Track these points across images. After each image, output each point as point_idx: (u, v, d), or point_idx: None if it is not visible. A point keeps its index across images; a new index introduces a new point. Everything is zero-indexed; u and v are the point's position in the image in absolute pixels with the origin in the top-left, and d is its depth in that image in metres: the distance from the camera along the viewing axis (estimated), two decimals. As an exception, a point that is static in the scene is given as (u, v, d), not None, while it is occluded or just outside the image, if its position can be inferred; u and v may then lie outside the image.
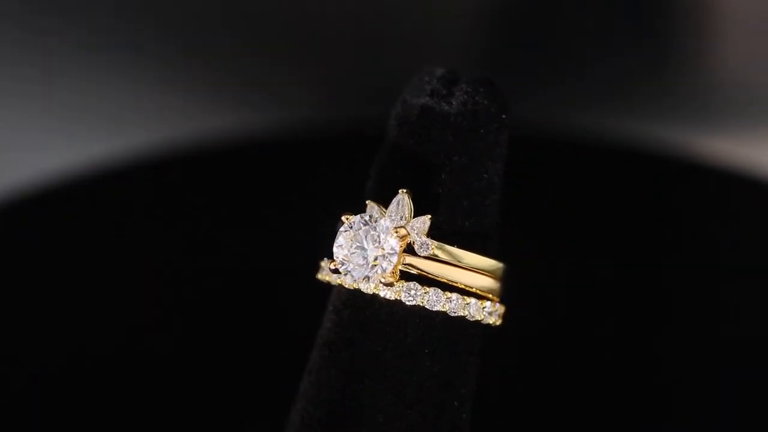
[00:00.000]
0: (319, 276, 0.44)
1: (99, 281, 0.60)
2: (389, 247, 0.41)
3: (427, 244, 0.42)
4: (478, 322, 0.43)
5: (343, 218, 0.42)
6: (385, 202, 0.43)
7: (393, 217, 0.42)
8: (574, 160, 0.62)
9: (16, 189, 0.63)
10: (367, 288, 0.42)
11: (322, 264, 0.44)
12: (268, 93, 0.72)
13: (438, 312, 0.42)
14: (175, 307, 0.59)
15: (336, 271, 0.42)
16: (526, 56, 0.71)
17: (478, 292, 0.43)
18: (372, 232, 0.42)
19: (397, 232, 0.41)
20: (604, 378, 0.56)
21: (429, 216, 0.42)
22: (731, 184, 0.60)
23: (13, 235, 0.62)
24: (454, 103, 0.43)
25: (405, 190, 0.42)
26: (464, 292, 0.42)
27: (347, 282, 0.42)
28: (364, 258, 0.42)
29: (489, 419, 0.47)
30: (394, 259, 0.41)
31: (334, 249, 0.42)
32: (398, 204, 0.42)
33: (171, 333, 0.59)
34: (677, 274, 0.58)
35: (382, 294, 0.42)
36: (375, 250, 0.42)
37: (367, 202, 0.42)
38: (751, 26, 0.67)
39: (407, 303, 0.42)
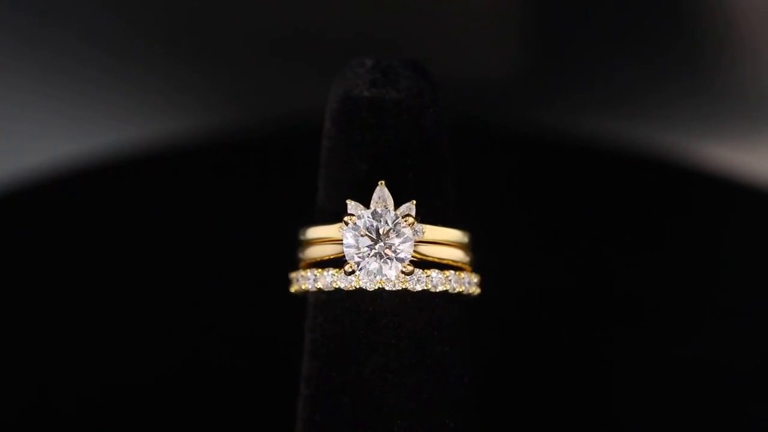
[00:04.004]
0: (299, 286, 0.43)
1: (85, 278, 0.59)
2: (404, 237, 0.42)
3: (418, 229, 0.42)
4: (470, 295, 0.44)
5: (346, 219, 0.42)
6: (354, 198, 0.43)
7: (383, 209, 0.42)
8: (579, 163, 0.63)
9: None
10: (372, 284, 0.42)
11: (301, 274, 0.43)
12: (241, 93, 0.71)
13: (438, 293, 0.43)
14: (161, 307, 0.58)
15: (351, 273, 0.42)
16: (535, 61, 0.71)
17: (462, 266, 0.44)
18: (380, 226, 0.42)
19: (406, 220, 0.42)
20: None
21: (414, 201, 0.42)
22: (745, 193, 0.62)
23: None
24: (400, 88, 0.44)
25: (383, 182, 0.42)
26: (456, 268, 0.43)
27: (345, 284, 0.42)
28: (377, 253, 0.42)
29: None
30: (410, 247, 0.42)
31: (345, 250, 0.42)
32: (380, 195, 0.42)
33: (161, 333, 0.58)
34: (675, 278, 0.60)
35: (388, 287, 0.42)
36: (389, 243, 0.42)
37: (347, 201, 0.42)
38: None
39: (414, 289, 0.42)
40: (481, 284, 0.45)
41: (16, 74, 0.70)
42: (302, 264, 0.44)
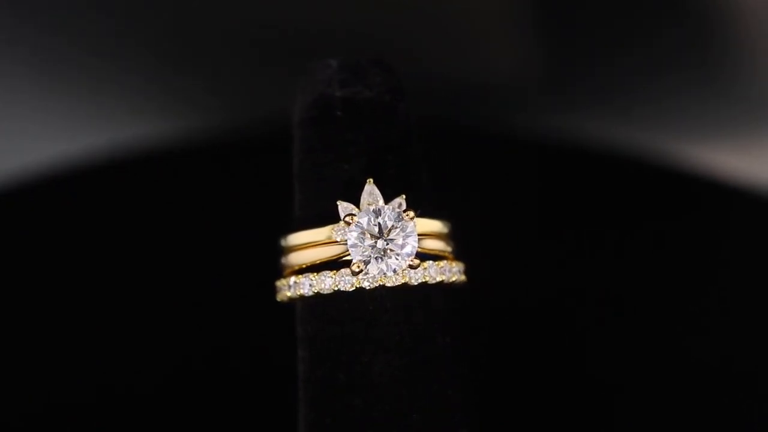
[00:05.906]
0: (293, 293, 0.43)
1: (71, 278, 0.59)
2: (408, 231, 0.42)
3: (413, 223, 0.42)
4: (459, 284, 0.44)
5: (347, 219, 0.42)
6: (340, 198, 0.43)
7: (378, 206, 0.42)
8: (580, 164, 0.63)
9: None
10: (376, 282, 0.42)
11: (294, 280, 0.43)
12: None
13: (433, 285, 0.43)
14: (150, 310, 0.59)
15: (359, 272, 0.41)
16: (535, 62, 0.71)
17: (447, 255, 0.44)
18: (383, 223, 0.42)
19: (407, 214, 0.42)
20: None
21: (403, 196, 0.42)
22: (745, 194, 0.62)
23: None
24: (372, 86, 0.44)
25: (371, 179, 0.42)
26: (443, 258, 0.43)
27: (347, 285, 0.42)
28: (381, 250, 0.42)
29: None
30: (414, 240, 0.42)
31: (350, 249, 0.42)
32: (370, 193, 0.42)
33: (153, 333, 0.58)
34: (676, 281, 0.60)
35: (389, 283, 0.42)
36: (391, 238, 0.42)
37: (339, 202, 0.42)
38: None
39: (413, 283, 0.42)
40: (465, 272, 0.44)
41: (16, 75, 0.70)
42: (288, 271, 0.43)
